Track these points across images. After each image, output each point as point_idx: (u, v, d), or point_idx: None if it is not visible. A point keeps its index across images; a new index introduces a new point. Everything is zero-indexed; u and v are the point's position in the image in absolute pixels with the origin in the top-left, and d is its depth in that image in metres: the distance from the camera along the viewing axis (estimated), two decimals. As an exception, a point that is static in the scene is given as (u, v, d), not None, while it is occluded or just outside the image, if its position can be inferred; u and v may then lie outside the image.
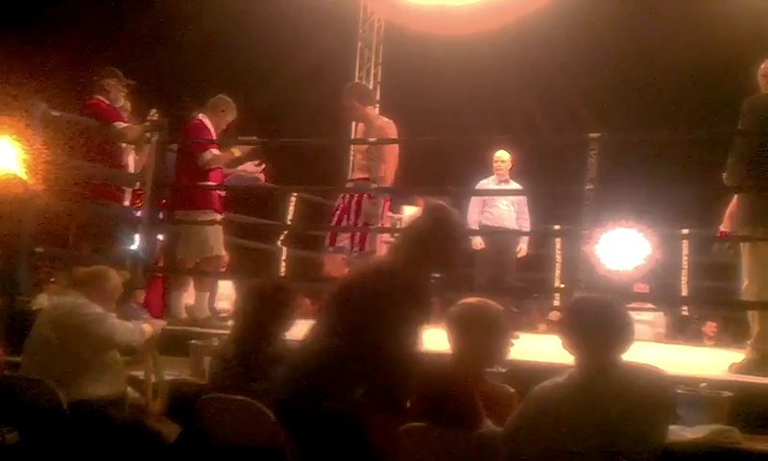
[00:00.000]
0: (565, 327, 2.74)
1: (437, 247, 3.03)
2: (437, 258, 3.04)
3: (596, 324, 2.63)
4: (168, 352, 4.18)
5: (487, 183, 7.13)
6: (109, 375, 3.83)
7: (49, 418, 3.53)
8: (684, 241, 8.22)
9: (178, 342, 4.39)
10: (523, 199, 7.12)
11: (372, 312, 2.80)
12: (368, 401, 2.74)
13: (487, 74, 11.17)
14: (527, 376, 3.14)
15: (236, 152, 5.80)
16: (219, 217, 5.74)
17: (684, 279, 8.51)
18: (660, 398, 2.56)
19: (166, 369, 3.98)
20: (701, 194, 6.43)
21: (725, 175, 4.46)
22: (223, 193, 5.83)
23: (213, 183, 5.71)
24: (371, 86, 10.86)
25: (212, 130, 5.81)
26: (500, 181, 6.99)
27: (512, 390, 2.98)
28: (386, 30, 10.84)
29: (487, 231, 6.94)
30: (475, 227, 6.95)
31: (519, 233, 7.07)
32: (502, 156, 6.95)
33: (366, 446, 2.69)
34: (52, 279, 8.99)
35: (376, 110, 5.78)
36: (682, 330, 8.22)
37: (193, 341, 4.26)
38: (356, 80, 10.68)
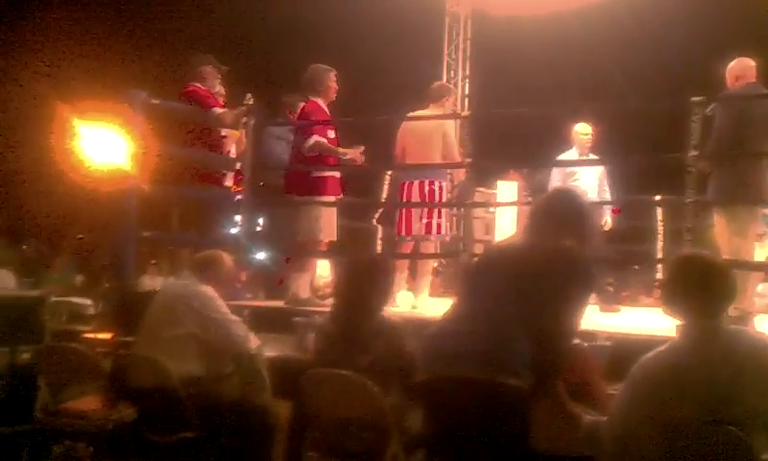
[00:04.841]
0: (671, 284, 2.66)
1: (577, 225, 3.03)
2: (581, 237, 3.02)
3: (702, 280, 2.55)
4: (272, 330, 4.29)
5: (568, 157, 6.94)
6: (219, 352, 3.95)
7: (162, 394, 3.67)
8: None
9: (281, 320, 4.49)
10: (604, 172, 6.90)
11: (550, 291, 2.79)
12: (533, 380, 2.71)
13: (576, 49, 10.93)
14: (631, 349, 3.08)
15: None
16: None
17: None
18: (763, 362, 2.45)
19: (270, 346, 4.10)
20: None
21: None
22: (337, 175, 5.70)
23: (316, 167, 5.60)
24: (459, 61, 10.79)
25: (324, 108, 5.71)
26: (582, 155, 6.79)
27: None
28: (474, 3, 10.70)
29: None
30: None
31: (605, 203, 6.82)
32: (584, 128, 6.76)
33: (523, 426, 2.67)
34: (153, 262, 9.39)
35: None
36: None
37: (296, 318, 4.34)
38: (445, 54, 10.62)
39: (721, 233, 4.90)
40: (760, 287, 7.79)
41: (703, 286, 2.55)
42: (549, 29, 9.93)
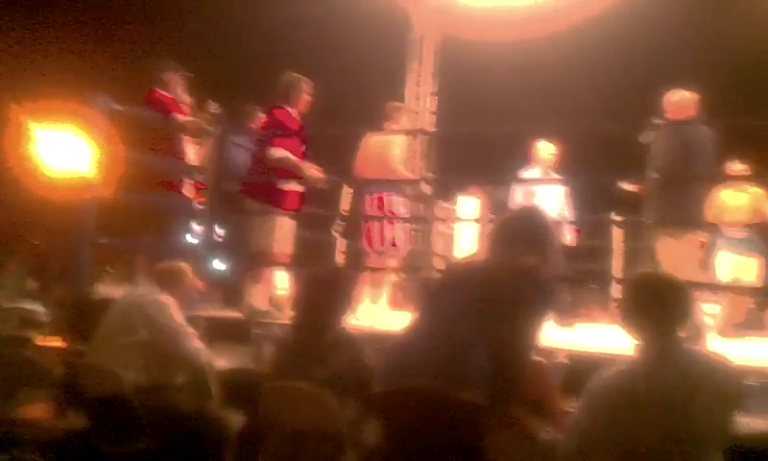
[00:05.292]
0: (628, 302, 2.69)
1: (540, 244, 3.05)
2: (543, 256, 3.04)
3: (660, 299, 2.58)
4: (230, 341, 4.24)
5: (530, 175, 7.05)
6: (171, 362, 3.90)
7: (114, 403, 3.60)
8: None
9: (239, 331, 4.45)
10: (566, 190, 7.02)
11: (510, 309, 2.80)
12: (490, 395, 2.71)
13: (543, 71, 11.07)
14: (588, 366, 3.10)
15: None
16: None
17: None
18: (727, 384, 2.49)
19: (227, 357, 4.06)
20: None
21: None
22: (301, 189, 5.66)
23: (277, 179, 5.53)
24: (426, 77, 10.82)
25: (295, 117, 5.66)
26: (544, 173, 6.89)
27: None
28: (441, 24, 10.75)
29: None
30: None
31: (567, 221, 6.96)
32: (547, 147, 6.87)
33: (479, 442, 2.66)
34: (109, 269, 9.23)
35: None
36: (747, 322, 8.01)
37: (254, 330, 4.30)
38: (411, 69, 10.65)
39: (667, 254, 5.03)
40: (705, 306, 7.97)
41: (660, 305, 2.58)
42: (516, 53, 10.04)
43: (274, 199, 5.51)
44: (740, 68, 11.06)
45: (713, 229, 6.53)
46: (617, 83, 11.61)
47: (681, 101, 5.25)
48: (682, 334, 2.58)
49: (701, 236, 5.79)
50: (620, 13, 9.07)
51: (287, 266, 5.99)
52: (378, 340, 3.49)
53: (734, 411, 2.56)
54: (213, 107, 5.89)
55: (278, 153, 5.39)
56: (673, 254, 4.93)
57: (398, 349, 2.94)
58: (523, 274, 2.89)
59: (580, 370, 3.29)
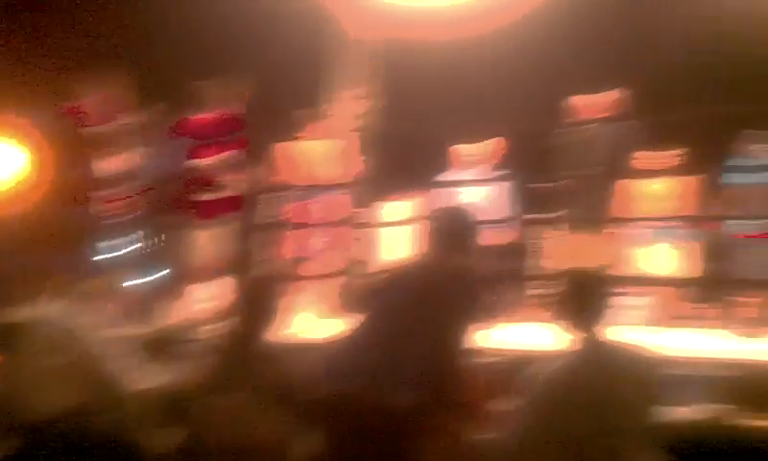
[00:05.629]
0: (561, 299, 2.72)
1: (467, 243, 3.04)
2: (471, 254, 3.05)
3: (591, 294, 2.62)
4: (158, 357, 4.14)
5: (456, 176, 7.12)
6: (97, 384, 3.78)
7: (36, 430, 3.47)
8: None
9: (168, 346, 4.36)
10: (491, 190, 7.10)
11: (443, 310, 2.78)
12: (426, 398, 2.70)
13: (469, 73, 11.16)
14: (521, 364, 3.13)
15: None
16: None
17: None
18: (649, 375, 2.54)
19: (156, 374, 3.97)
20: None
21: None
22: (219, 197, 5.64)
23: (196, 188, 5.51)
24: (355, 79, 10.80)
25: (212, 123, 5.69)
26: (469, 175, 6.98)
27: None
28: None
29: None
30: None
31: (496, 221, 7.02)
32: (471, 148, 6.97)
33: (416, 444, 2.64)
34: (31, 288, 8.90)
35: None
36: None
37: (183, 344, 4.22)
38: (336, 72, 10.61)
39: (584, 250, 5.16)
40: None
41: (586, 300, 2.62)
42: (443, 54, 10.09)
43: (193, 210, 5.43)
44: (663, 66, 11.35)
45: (635, 221, 6.65)
46: (539, 84, 11.81)
47: (590, 102, 5.53)
48: (607, 327, 2.62)
49: (621, 229, 5.92)
50: (544, 16, 9.23)
51: (211, 277, 5.91)
52: (312, 349, 3.45)
53: (659, 402, 2.62)
54: (151, 110, 5.75)
55: (193, 163, 5.32)
56: (589, 250, 5.05)
57: (334, 354, 2.93)
58: (452, 274, 2.89)
59: (510, 369, 3.32)
